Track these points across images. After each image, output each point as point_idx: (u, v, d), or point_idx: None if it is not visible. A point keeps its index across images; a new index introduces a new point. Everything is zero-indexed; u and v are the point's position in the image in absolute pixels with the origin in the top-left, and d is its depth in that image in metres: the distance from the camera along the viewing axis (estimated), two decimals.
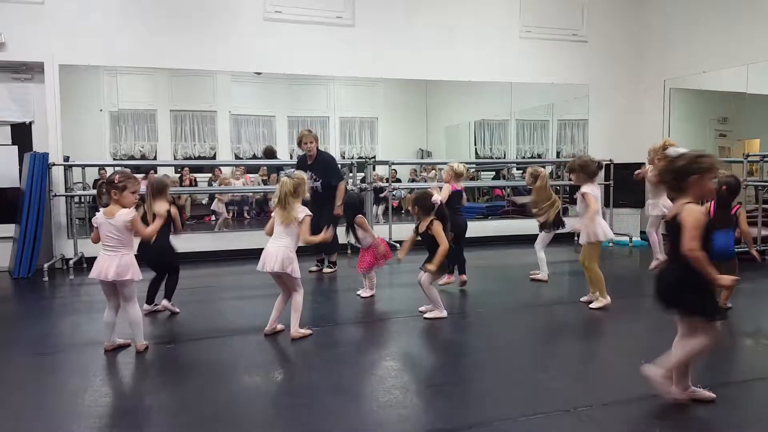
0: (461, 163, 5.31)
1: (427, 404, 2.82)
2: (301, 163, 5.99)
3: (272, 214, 3.82)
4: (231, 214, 8.56)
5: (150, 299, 4.43)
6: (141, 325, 3.53)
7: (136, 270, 3.45)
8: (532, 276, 5.56)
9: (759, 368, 3.32)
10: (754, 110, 7.61)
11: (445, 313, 4.21)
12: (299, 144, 5.95)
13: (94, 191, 7.55)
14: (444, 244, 4.07)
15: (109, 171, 7.91)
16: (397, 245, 6.99)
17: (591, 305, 4.50)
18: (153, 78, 7.94)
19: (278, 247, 3.68)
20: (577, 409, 2.68)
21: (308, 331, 3.82)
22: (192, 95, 8.41)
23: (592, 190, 4.51)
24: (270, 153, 8.18)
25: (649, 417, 2.63)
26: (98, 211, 3.52)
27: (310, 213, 3.78)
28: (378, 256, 4.80)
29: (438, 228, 4.09)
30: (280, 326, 3.85)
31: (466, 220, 5.25)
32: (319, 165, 5.90)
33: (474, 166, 9.70)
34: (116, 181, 3.44)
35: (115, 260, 3.36)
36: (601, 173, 7.68)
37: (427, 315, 4.23)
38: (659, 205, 5.67)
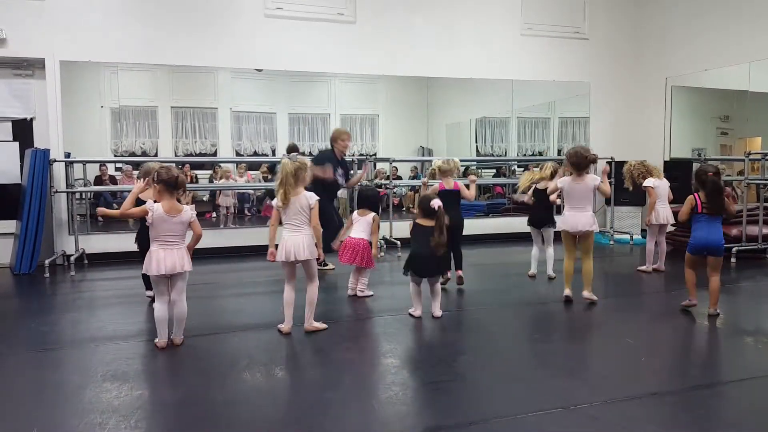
0: (449, 159, 5.10)
1: (427, 401, 2.83)
2: (331, 157, 5.98)
3: (274, 205, 3.78)
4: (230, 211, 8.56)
5: (150, 285, 4.33)
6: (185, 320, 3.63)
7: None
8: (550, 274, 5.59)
9: (759, 367, 3.32)
10: (756, 108, 7.59)
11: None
12: (335, 141, 5.97)
13: (95, 187, 7.62)
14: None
15: (110, 167, 7.98)
16: (398, 243, 7.03)
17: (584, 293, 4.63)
18: (154, 74, 7.95)
19: (302, 236, 3.73)
20: (576, 406, 2.69)
21: (323, 325, 3.90)
22: (193, 92, 8.41)
23: (566, 183, 4.55)
24: (294, 151, 8.17)
25: (649, 415, 2.63)
26: (153, 203, 3.45)
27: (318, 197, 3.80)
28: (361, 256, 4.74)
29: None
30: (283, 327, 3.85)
31: (463, 217, 5.14)
32: (349, 164, 6.46)
33: (475, 163, 9.71)
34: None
35: (182, 252, 3.49)
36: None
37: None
38: (663, 214, 5.69)
